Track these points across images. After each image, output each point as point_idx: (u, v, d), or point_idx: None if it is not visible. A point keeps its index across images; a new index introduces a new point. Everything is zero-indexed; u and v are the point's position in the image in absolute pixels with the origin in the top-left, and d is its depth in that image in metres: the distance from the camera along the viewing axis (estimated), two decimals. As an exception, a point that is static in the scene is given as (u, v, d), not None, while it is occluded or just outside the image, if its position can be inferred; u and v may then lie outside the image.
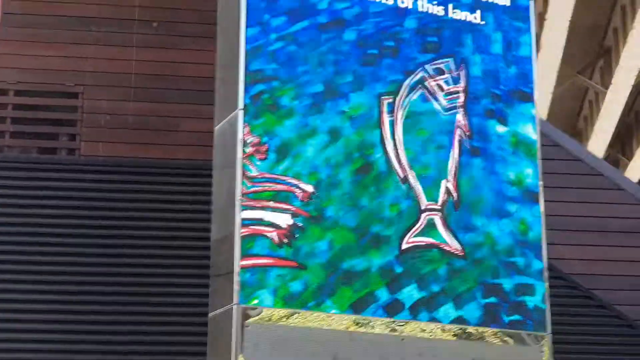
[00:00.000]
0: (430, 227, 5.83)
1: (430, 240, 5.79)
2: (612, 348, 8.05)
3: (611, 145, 20.66)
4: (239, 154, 5.54)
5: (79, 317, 7.41)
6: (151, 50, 8.16)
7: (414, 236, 5.77)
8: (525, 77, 6.30)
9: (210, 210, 5.93)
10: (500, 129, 6.15)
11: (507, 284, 5.89)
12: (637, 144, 20.15)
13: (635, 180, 21.21)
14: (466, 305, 5.76)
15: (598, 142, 19.33)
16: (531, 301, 5.93)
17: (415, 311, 5.63)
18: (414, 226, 5.79)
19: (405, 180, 5.84)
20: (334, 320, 5.48)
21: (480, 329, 5.78)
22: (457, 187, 5.94)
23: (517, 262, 5.96)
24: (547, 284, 6.09)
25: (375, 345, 5.52)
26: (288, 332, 5.36)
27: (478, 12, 6.28)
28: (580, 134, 20.52)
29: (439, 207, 5.87)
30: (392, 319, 5.60)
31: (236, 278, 5.39)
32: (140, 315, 7.48)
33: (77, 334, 7.36)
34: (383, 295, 5.59)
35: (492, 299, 5.82)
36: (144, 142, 7.96)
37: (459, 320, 5.70)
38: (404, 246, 5.72)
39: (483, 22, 6.28)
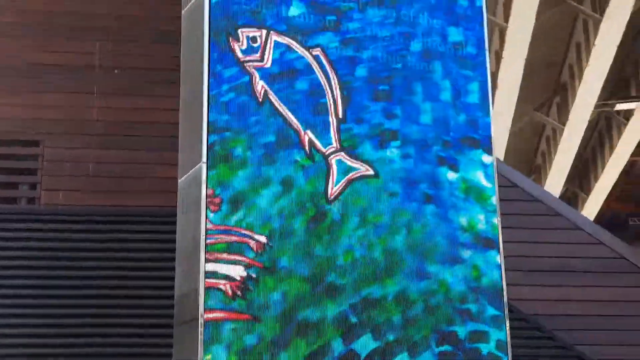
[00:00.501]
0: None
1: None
2: (574, 388, 8.12)
3: (569, 180, 20.87)
4: (203, 206, 5.54)
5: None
6: (112, 97, 8.17)
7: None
8: (475, 124, 6.38)
9: (173, 258, 5.92)
10: (452, 175, 6.20)
11: (462, 331, 5.91)
12: (595, 179, 20.38)
13: (592, 215, 21.46)
14: (421, 354, 5.76)
15: (556, 178, 19.51)
16: (485, 348, 5.94)
17: None
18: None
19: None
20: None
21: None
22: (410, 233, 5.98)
23: (471, 309, 5.98)
24: (508, 326, 6.12)
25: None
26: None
27: (427, 60, 6.35)
28: (539, 170, 20.71)
29: None
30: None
31: (200, 329, 5.36)
32: (103, 365, 7.44)
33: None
34: (338, 346, 5.59)
35: (447, 347, 5.84)
36: (105, 189, 7.94)
37: None
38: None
39: (432, 70, 6.35)
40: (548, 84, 17.94)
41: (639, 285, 8.50)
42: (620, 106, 18.08)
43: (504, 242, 6.63)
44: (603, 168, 19.59)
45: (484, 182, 6.28)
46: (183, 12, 6.20)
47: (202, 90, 5.73)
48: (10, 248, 7.65)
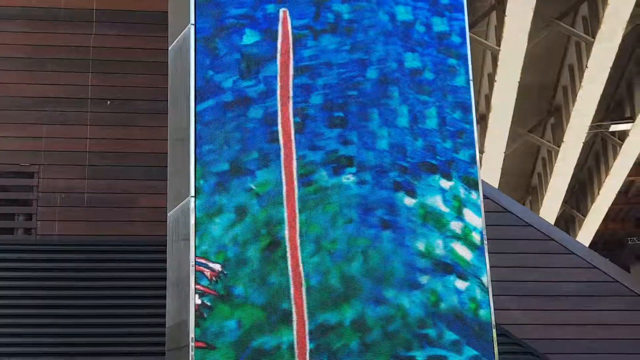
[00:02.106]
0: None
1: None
2: (569, 411, 8.14)
3: (566, 201, 20.93)
4: (192, 237, 5.60)
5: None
6: (105, 127, 8.23)
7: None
8: (433, 149, 6.37)
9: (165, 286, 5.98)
10: (409, 201, 6.20)
11: (420, 356, 5.89)
12: (592, 200, 20.43)
13: (590, 236, 21.50)
14: None
15: (553, 199, 19.57)
16: None
17: None
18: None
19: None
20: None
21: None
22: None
23: (429, 334, 5.95)
24: (496, 350, 6.14)
25: None
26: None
27: (383, 85, 6.39)
28: (535, 192, 20.77)
29: None
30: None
31: (191, 353, 5.42)
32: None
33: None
34: None
35: None
36: (100, 219, 8.00)
37: None
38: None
39: (389, 96, 6.37)
40: (542, 106, 18.04)
41: (633, 308, 8.53)
42: (615, 127, 18.15)
43: (496, 267, 6.69)
44: (599, 189, 19.65)
45: (442, 207, 6.26)
46: (169, 48, 6.28)
47: (190, 124, 5.78)
48: (7, 278, 7.70)
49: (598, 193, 19.90)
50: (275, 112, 6.03)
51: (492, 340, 6.07)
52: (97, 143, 8.19)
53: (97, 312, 7.68)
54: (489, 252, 6.35)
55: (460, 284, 6.11)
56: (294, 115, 6.08)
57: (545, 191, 19.46)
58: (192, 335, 5.43)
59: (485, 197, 6.66)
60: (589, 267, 8.55)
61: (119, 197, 8.09)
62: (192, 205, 5.63)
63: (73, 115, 8.21)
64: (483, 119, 16.39)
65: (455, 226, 6.24)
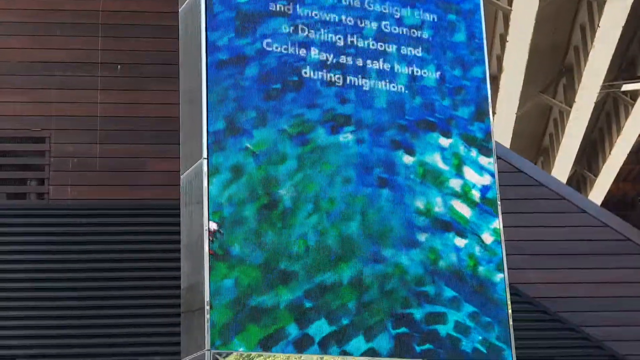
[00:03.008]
0: None
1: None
2: (582, 369, 8.18)
3: (577, 162, 20.86)
4: (205, 200, 5.59)
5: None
6: (115, 92, 8.22)
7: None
8: (431, 107, 6.34)
9: (179, 249, 5.99)
10: (407, 159, 6.18)
11: (418, 313, 5.90)
12: (603, 160, 20.36)
13: (601, 196, 21.47)
14: (377, 337, 5.74)
15: (564, 160, 19.50)
16: (443, 329, 5.93)
17: (325, 345, 5.60)
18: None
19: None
20: (304, 357, 5.53)
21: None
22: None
23: (428, 291, 5.97)
24: (510, 309, 6.15)
25: (344, 384, 5.58)
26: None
27: (381, 43, 6.33)
28: (547, 153, 20.70)
29: None
30: (356, 358, 5.65)
31: (207, 317, 5.43)
32: (111, 356, 7.51)
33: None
34: (292, 331, 5.56)
35: (403, 330, 5.83)
36: (112, 184, 8.01)
37: (370, 352, 5.69)
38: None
39: (387, 53, 6.32)
40: (553, 67, 17.93)
41: (645, 266, 8.55)
42: (627, 87, 18.03)
43: (508, 226, 6.69)
44: (611, 149, 19.56)
45: (441, 165, 6.25)
46: (180, 9, 6.25)
47: (201, 86, 5.76)
48: (20, 242, 7.74)
49: (609, 153, 19.82)
50: (272, 69, 5.96)
51: (491, 297, 6.06)
52: (108, 108, 8.18)
53: (109, 276, 7.72)
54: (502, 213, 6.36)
55: (459, 242, 6.12)
56: (292, 74, 6.01)
57: (557, 152, 19.39)
58: (207, 299, 5.44)
59: (497, 157, 6.64)
60: (601, 226, 8.55)
61: (130, 162, 8.09)
62: (204, 167, 5.62)
63: (83, 80, 8.20)
64: (495, 80, 16.32)
65: (455, 184, 6.23)
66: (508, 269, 6.34)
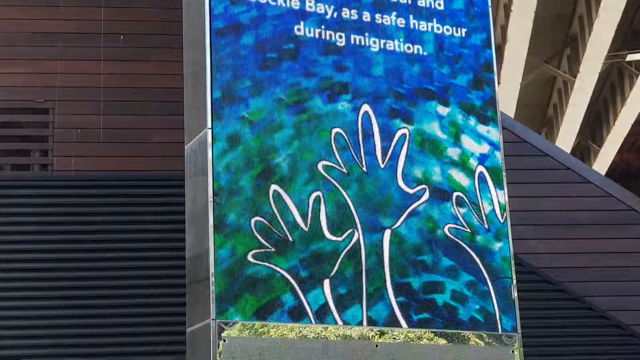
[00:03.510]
0: None
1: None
2: (587, 339, 8.19)
3: (581, 132, 20.84)
4: (210, 170, 5.59)
5: (52, 333, 7.46)
6: (119, 63, 8.21)
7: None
8: (429, 75, 6.30)
9: (184, 220, 5.99)
10: (405, 127, 6.12)
11: (416, 282, 5.87)
12: (607, 131, 20.33)
13: (605, 166, 21.45)
14: (374, 306, 5.72)
15: (568, 130, 19.48)
16: (440, 298, 5.91)
17: (322, 314, 5.58)
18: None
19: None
20: (310, 330, 5.54)
21: (450, 332, 5.84)
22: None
23: (426, 260, 5.94)
24: (514, 280, 6.15)
25: (350, 353, 5.56)
26: (264, 345, 5.41)
27: (380, 11, 6.25)
28: (551, 123, 20.68)
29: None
30: (367, 327, 5.65)
31: (212, 287, 5.43)
32: (116, 327, 7.55)
33: (51, 357, 7.41)
34: (288, 300, 5.53)
35: (401, 299, 5.80)
36: (116, 155, 8.01)
37: (367, 321, 5.67)
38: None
39: (385, 22, 6.27)
40: (558, 37, 17.87)
41: (649, 236, 8.56)
42: (632, 57, 17.98)
43: (513, 196, 6.68)
44: (615, 119, 19.53)
45: (439, 133, 6.22)
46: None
47: (205, 56, 5.74)
48: (24, 214, 7.75)
49: (613, 124, 19.79)
50: (268, 38, 5.93)
51: (489, 266, 6.06)
52: (111, 79, 8.17)
53: (114, 247, 7.74)
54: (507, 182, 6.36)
55: (457, 210, 6.10)
56: (288, 42, 5.97)
57: (561, 122, 19.37)
58: (212, 269, 5.44)
59: (502, 127, 6.62)
60: (605, 196, 8.56)
61: (134, 133, 8.09)
62: (209, 137, 5.61)
63: (86, 50, 8.18)
64: (499, 50, 16.27)
65: (453, 152, 6.20)
66: (513, 239, 6.34)
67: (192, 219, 5.82)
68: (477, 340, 5.92)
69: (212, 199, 5.53)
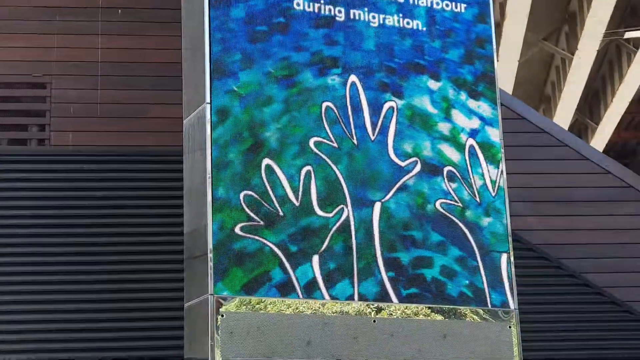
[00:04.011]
0: None
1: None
2: (583, 316, 8.22)
3: (579, 110, 20.82)
4: (208, 145, 5.58)
5: (50, 308, 7.47)
6: (117, 37, 8.17)
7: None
8: (421, 49, 6.28)
9: (182, 196, 5.99)
10: (396, 102, 6.10)
11: (405, 257, 5.87)
12: (605, 108, 20.31)
13: (602, 144, 21.45)
14: (363, 282, 5.72)
15: (566, 108, 19.46)
16: (429, 273, 5.91)
17: (310, 290, 5.58)
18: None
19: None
20: (308, 305, 5.55)
21: (447, 308, 5.85)
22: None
23: (415, 235, 5.94)
24: (512, 257, 6.14)
25: (347, 328, 5.58)
26: (262, 319, 5.42)
27: None
28: (549, 100, 20.65)
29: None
30: (365, 303, 5.67)
31: (210, 263, 5.43)
32: (114, 302, 7.56)
33: (49, 332, 7.43)
34: (276, 275, 5.52)
35: (390, 274, 5.80)
36: (113, 130, 7.99)
37: (357, 296, 5.66)
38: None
39: None
40: (556, 14, 17.81)
41: (647, 213, 8.58)
42: (630, 34, 17.94)
43: (510, 173, 6.69)
44: (613, 97, 19.51)
45: (430, 108, 6.20)
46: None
47: (204, 29, 5.72)
48: (21, 189, 7.74)
49: (611, 101, 19.77)
50: (259, 11, 5.89)
51: (479, 241, 6.05)
52: (109, 53, 8.14)
53: (111, 222, 7.73)
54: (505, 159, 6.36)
55: (447, 185, 6.09)
56: (278, 15, 5.94)
57: (559, 100, 19.34)
58: (210, 246, 5.44)
59: (500, 104, 6.61)
60: (603, 173, 8.56)
61: (132, 108, 8.06)
62: (207, 111, 5.60)
63: (84, 25, 8.14)
64: (497, 27, 16.21)
65: (443, 127, 6.19)
66: (510, 215, 6.35)
67: (190, 194, 5.82)
68: (474, 316, 5.94)
69: (210, 175, 5.52)
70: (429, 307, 5.84)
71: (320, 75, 5.95)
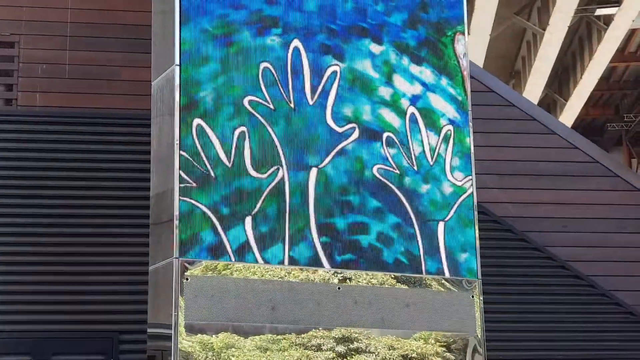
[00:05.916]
0: None
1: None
2: (546, 289, 8.30)
3: (549, 85, 20.92)
4: (177, 109, 5.53)
5: (12, 270, 7.44)
6: (85, -1, 8.11)
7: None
8: (364, 12, 6.15)
9: (149, 160, 5.95)
10: (336, 65, 6.00)
11: (341, 223, 5.80)
12: (574, 85, 20.42)
13: (571, 120, 21.57)
14: (297, 246, 5.65)
15: (536, 83, 19.54)
16: (365, 240, 5.84)
17: (242, 253, 5.49)
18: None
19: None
20: (273, 270, 5.55)
21: (413, 278, 5.87)
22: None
23: (352, 201, 5.86)
24: (477, 229, 6.16)
25: (312, 294, 5.58)
26: (227, 284, 5.42)
27: None
28: (519, 75, 20.72)
29: None
30: (330, 269, 5.67)
31: (176, 230, 5.40)
32: (82, 265, 7.54)
33: (13, 293, 7.42)
34: (208, 237, 5.43)
35: (324, 239, 5.73)
36: (82, 91, 7.93)
37: (288, 260, 5.60)
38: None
39: None
40: (529, -11, 17.86)
41: (612, 188, 8.63)
42: (601, 11, 18.01)
43: (478, 145, 6.70)
44: (582, 74, 19.61)
45: (372, 72, 6.11)
46: None
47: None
48: (-13, 149, 7.69)
49: (580, 78, 19.88)
50: None
51: (416, 209, 6.02)
52: (79, 13, 8.06)
53: (78, 185, 7.69)
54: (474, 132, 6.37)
55: (387, 151, 6.05)
56: None
57: (529, 75, 19.42)
58: (176, 212, 5.40)
59: (470, 76, 6.61)
60: (570, 148, 8.62)
61: (100, 69, 8.00)
62: (177, 74, 5.54)
63: (54, -16, 8.07)
64: (470, 1, 16.22)
65: (384, 92, 6.13)
66: (476, 188, 6.36)
67: (157, 158, 5.78)
68: (438, 286, 5.97)
69: (177, 140, 5.47)
70: (394, 277, 5.85)
71: (259, 35, 5.82)
